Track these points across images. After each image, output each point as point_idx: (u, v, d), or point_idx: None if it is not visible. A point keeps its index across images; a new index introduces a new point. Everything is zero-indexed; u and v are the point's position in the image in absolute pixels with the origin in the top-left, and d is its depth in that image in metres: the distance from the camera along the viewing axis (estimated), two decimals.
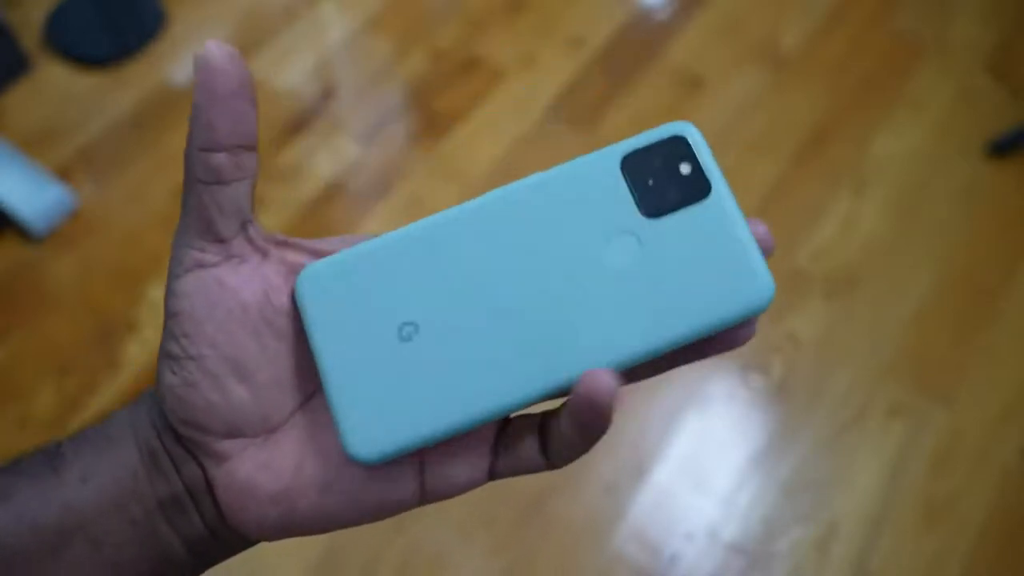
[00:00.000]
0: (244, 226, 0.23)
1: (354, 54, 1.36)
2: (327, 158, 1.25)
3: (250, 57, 1.34)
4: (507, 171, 1.24)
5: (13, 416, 1.04)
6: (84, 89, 1.30)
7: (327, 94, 1.31)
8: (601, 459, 1.03)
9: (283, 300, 0.23)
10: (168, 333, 0.22)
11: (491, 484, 1.00)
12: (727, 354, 1.11)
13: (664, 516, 1.00)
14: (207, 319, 0.22)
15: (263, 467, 0.22)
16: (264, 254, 0.23)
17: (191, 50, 1.35)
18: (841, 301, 1.15)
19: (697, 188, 0.22)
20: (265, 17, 1.39)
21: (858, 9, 1.43)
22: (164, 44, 1.35)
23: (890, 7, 1.43)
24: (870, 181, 1.25)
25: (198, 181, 0.22)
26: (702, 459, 1.03)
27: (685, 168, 0.22)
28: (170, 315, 0.22)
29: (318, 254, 0.24)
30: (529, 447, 0.23)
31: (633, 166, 0.23)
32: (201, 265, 0.22)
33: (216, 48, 0.21)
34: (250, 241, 0.23)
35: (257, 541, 0.24)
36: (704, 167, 0.22)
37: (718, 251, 0.22)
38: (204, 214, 0.22)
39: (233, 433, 0.22)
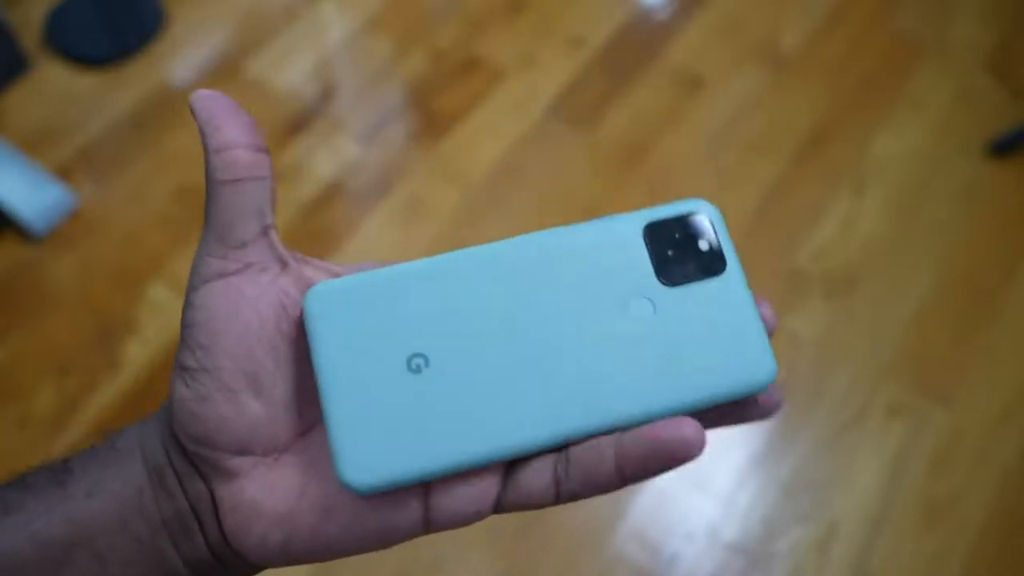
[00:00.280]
0: (264, 232, 0.23)
1: (354, 54, 1.36)
2: (327, 158, 1.25)
3: (250, 57, 1.34)
4: (507, 171, 1.24)
5: (13, 416, 1.04)
6: (84, 89, 1.30)
7: (327, 94, 1.31)
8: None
9: (299, 314, 0.23)
10: (184, 345, 0.22)
11: None
12: None
13: (664, 516, 1.00)
14: (225, 330, 0.22)
15: (269, 488, 0.22)
16: (284, 264, 0.23)
17: (191, 50, 1.35)
18: (841, 301, 1.15)
19: (713, 264, 0.23)
20: (265, 17, 1.39)
21: (858, 9, 1.42)
22: (164, 44, 1.35)
23: (890, 7, 1.43)
24: (870, 181, 1.25)
25: (217, 183, 0.22)
26: (702, 459, 1.03)
27: (704, 244, 0.24)
28: (187, 326, 0.22)
29: (336, 275, 0.24)
30: (542, 484, 0.23)
31: (655, 234, 0.24)
32: (221, 274, 0.22)
33: (203, 89, 0.23)
34: (271, 248, 0.23)
35: (260, 567, 0.24)
36: (722, 245, 0.24)
37: (727, 328, 0.23)
38: (224, 217, 0.22)
39: (244, 451, 0.22)
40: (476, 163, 1.25)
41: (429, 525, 0.23)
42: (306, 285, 0.23)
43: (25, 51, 1.30)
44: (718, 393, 0.22)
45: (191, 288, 0.22)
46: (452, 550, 0.97)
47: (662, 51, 1.37)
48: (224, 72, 1.33)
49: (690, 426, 0.21)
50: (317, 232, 1.18)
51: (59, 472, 0.23)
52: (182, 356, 0.22)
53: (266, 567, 0.23)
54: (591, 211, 1.21)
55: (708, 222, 0.24)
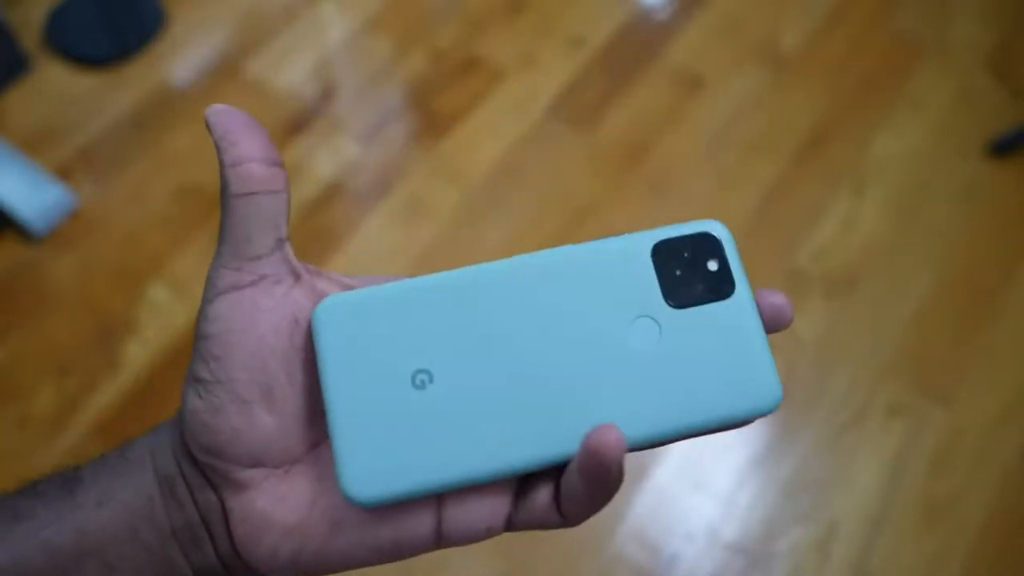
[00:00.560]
0: (279, 245, 0.23)
1: (354, 54, 1.36)
2: (327, 158, 1.25)
3: (250, 57, 1.34)
4: (507, 171, 1.24)
5: (13, 416, 1.04)
6: (84, 89, 1.30)
7: (327, 94, 1.31)
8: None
9: (307, 326, 0.23)
10: (198, 356, 0.22)
11: None
12: None
13: (664, 516, 1.00)
14: (240, 342, 0.22)
15: (280, 500, 0.22)
16: (297, 277, 0.23)
17: (191, 50, 1.35)
18: (841, 301, 1.15)
19: (722, 286, 0.23)
20: (265, 17, 1.39)
21: (858, 9, 1.42)
22: (164, 44, 1.35)
23: (890, 7, 1.43)
24: (870, 181, 1.25)
25: (233, 196, 0.22)
26: (702, 459, 1.03)
27: (712, 265, 0.23)
28: (201, 338, 0.22)
29: (349, 288, 0.24)
30: (545, 502, 0.23)
31: (663, 255, 0.23)
32: (235, 287, 0.22)
33: (219, 104, 0.23)
34: (285, 261, 0.23)
35: None
36: (731, 268, 0.23)
37: (733, 351, 0.22)
38: (240, 230, 0.22)
39: (256, 463, 0.22)
40: (476, 163, 1.25)
41: (441, 540, 0.23)
42: (319, 298, 0.23)
43: (25, 51, 1.30)
44: (721, 417, 0.22)
45: (206, 300, 0.22)
46: (454, 550, 0.97)
47: (662, 51, 1.37)
48: (224, 72, 1.33)
49: (608, 430, 0.21)
50: (317, 232, 1.18)
51: (69, 480, 0.23)
52: (196, 368, 0.22)
53: None
54: (591, 211, 1.21)
55: (719, 244, 0.23)
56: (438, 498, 0.23)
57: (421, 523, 0.22)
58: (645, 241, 0.23)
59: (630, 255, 0.23)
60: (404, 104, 1.30)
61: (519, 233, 1.19)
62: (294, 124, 1.28)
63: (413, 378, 0.22)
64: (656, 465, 1.03)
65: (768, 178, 1.25)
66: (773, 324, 0.24)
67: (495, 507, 0.23)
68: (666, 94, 1.32)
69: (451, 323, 0.23)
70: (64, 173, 1.22)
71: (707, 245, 0.23)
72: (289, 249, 0.23)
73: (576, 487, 0.21)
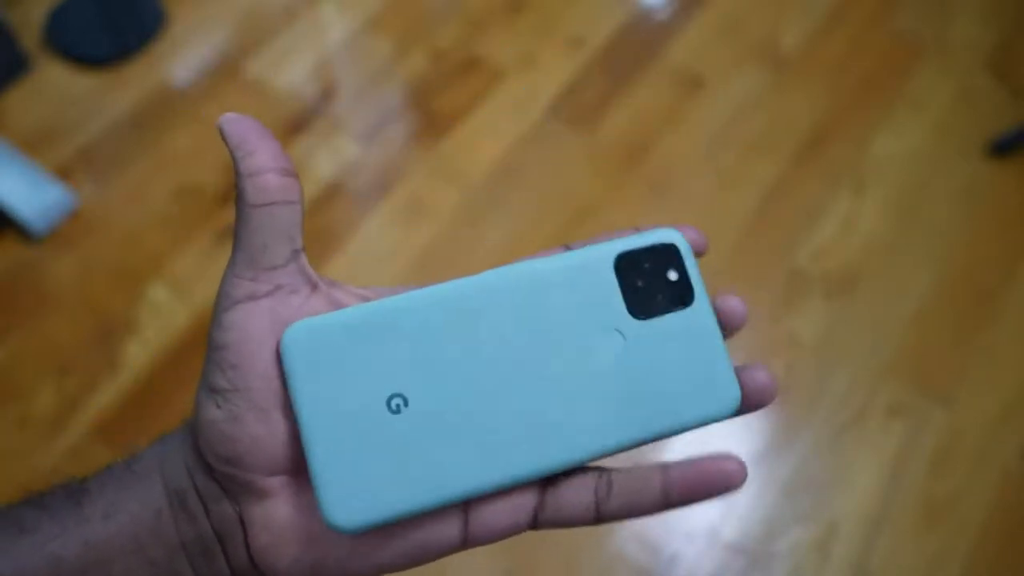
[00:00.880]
0: (295, 255, 0.23)
1: (354, 54, 1.36)
2: (327, 158, 1.25)
3: (250, 57, 1.34)
4: (507, 171, 1.24)
5: (13, 416, 1.05)
6: (84, 89, 1.30)
7: (327, 94, 1.31)
8: (600, 459, 1.03)
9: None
10: (214, 366, 0.22)
11: None
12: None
13: (664, 516, 1.00)
14: (258, 350, 0.22)
15: (303, 508, 0.22)
16: (314, 287, 0.23)
17: (191, 50, 1.35)
18: (841, 301, 1.15)
19: (682, 295, 0.24)
20: (265, 17, 1.39)
21: (858, 9, 1.42)
22: (164, 44, 1.35)
23: (890, 7, 1.43)
24: (870, 181, 1.25)
25: (249, 206, 0.22)
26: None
27: (673, 275, 0.24)
28: (217, 347, 0.22)
29: (365, 300, 0.24)
30: (580, 503, 0.23)
31: (625, 267, 0.24)
32: (251, 296, 0.22)
33: (231, 113, 0.23)
34: (301, 272, 0.23)
35: None
36: (690, 277, 0.24)
37: (695, 359, 0.24)
38: (256, 240, 0.22)
39: (276, 470, 0.22)
40: (476, 163, 1.25)
41: (467, 540, 0.23)
42: (336, 308, 0.23)
43: (25, 51, 1.30)
44: (687, 422, 0.23)
45: (221, 310, 0.22)
46: None
47: (662, 51, 1.37)
48: (224, 72, 1.33)
49: (733, 462, 0.23)
50: (317, 232, 1.18)
51: (76, 492, 0.23)
52: (212, 378, 0.22)
53: None
54: (591, 211, 1.21)
55: (677, 253, 0.24)
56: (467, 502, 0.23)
57: (448, 526, 0.23)
58: (607, 254, 0.24)
59: (594, 268, 0.24)
60: (404, 104, 1.30)
61: (519, 233, 1.19)
62: (294, 124, 1.28)
63: (388, 403, 0.22)
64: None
65: (768, 178, 1.25)
66: (730, 328, 0.25)
67: (521, 505, 0.23)
68: (666, 94, 1.32)
69: (421, 345, 0.23)
70: (64, 173, 1.22)
71: (667, 255, 0.24)
72: (305, 260, 0.23)
73: (654, 500, 0.23)
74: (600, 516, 0.23)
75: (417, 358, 0.23)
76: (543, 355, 0.23)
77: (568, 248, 0.26)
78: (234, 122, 0.23)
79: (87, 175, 1.23)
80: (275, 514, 0.22)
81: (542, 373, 0.23)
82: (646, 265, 0.24)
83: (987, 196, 1.24)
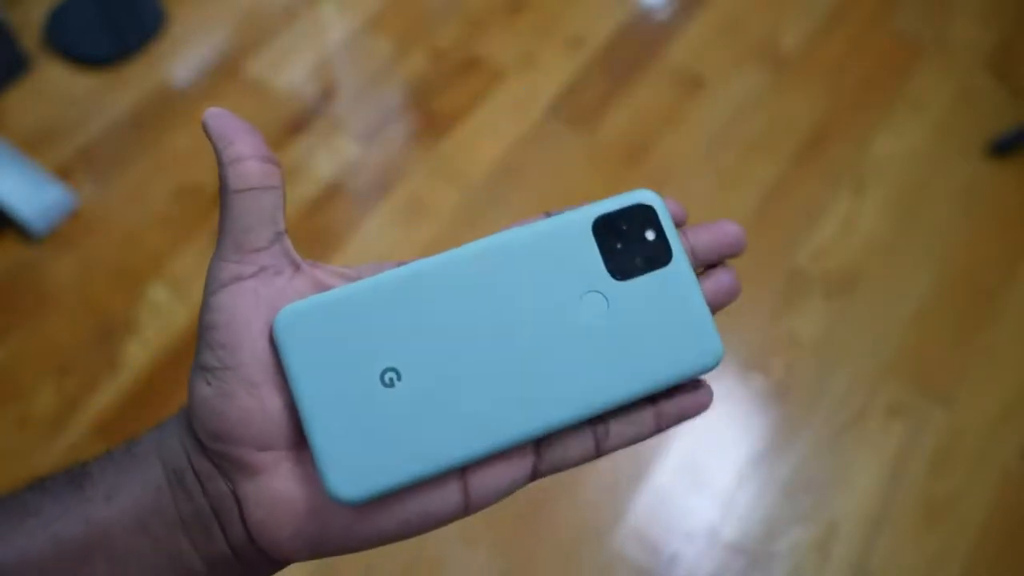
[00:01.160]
0: (278, 238, 0.24)
1: (354, 54, 1.36)
2: (327, 158, 1.25)
3: (250, 57, 1.34)
4: (507, 171, 1.24)
5: (13, 416, 1.05)
6: (84, 89, 1.30)
7: (327, 94, 1.31)
8: (601, 459, 1.03)
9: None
10: (205, 346, 0.23)
11: None
12: (727, 355, 1.11)
13: (664, 516, 1.00)
14: (246, 329, 0.22)
15: (300, 481, 0.23)
16: (297, 267, 0.24)
17: (191, 50, 1.35)
18: (841, 301, 1.15)
19: (660, 255, 0.25)
20: (265, 17, 1.39)
21: (858, 9, 1.42)
22: (164, 44, 1.35)
23: (890, 7, 1.43)
24: (870, 181, 1.25)
25: (232, 192, 0.23)
26: (702, 459, 1.03)
27: (650, 235, 0.25)
28: (207, 328, 0.23)
29: (347, 279, 0.25)
30: (580, 443, 0.24)
31: (603, 230, 0.25)
32: (237, 278, 0.23)
33: (215, 108, 0.24)
34: (284, 253, 0.24)
35: (285, 563, 0.24)
36: (667, 235, 0.25)
37: (677, 316, 0.24)
38: (239, 224, 0.23)
39: (267, 445, 0.22)
40: (476, 163, 1.25)
41: (469, 505, 0.24)
42: (319, 287, 0.24)
43: (25, 51, 1.30)
44: (672, 376, 0.24)
45: (209, 293, 0.23)
46: (454, 548, 0.97)
47: (662, 51, 1.37)
48: (224, 72, 1.33)
49: (705, 393, 0.25)
50: (317, 232, 1.18)
51: (77, 476, 0.23)
52: (203, 357, 0.23)
53: (292, 562, 0.24)
54: None
55: (653, 213, 0.25)
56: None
57: (448, 491, 0.23)
58: (586, 218, 0.25)
59: (573, 233, 0.25)
60: (404, 104, 1.30)
61: None
62: (294, 124, 1.28)
63: (382, 377, 0.23)
64: (656, 464, 1.03)
65: (768, 178, 1.25)
66: (732, 253, 0.27)
67: (519, 463, 0.24)
68: (666, 94, 1.32)
69: (410, 319, 0.23)
70: (64, 173, 1.22)
71: (644, 216, 0.25)
72: (287, 242, 0.24)
73: (650, 432, 0.25)
74: (600, 454, 0.25)
75: (406, 332, 0.23)
76: (529, 320, 0.24)
77: (548, 215, 0.27)
78: (216, 116, 0.24)
79: (87, 175, 1.23)
80: (269, 489, 0.22)
81: (529, 338, 0.24)
82: (624, 227, 0.25)
83: (987, 196, 1.24)
